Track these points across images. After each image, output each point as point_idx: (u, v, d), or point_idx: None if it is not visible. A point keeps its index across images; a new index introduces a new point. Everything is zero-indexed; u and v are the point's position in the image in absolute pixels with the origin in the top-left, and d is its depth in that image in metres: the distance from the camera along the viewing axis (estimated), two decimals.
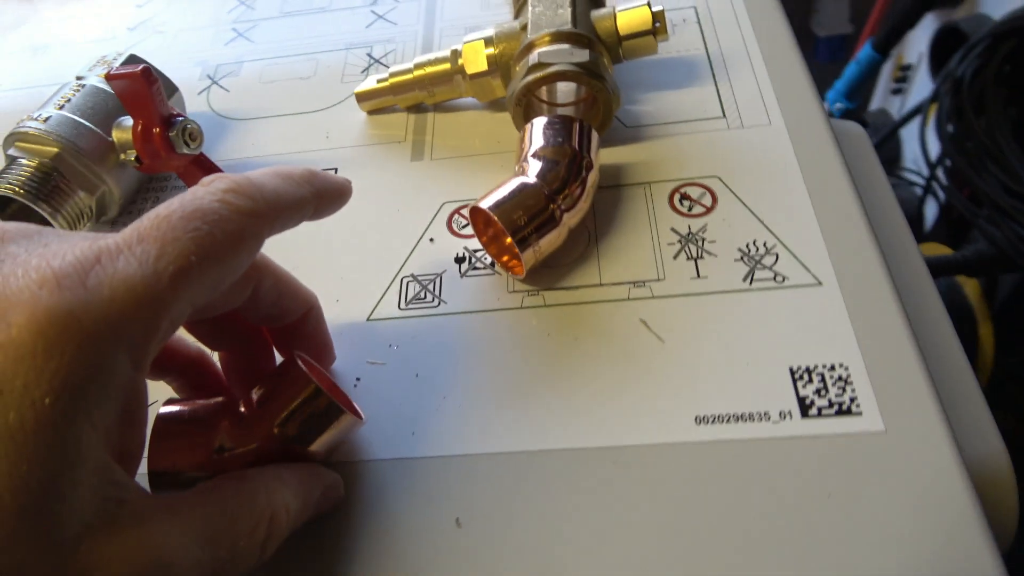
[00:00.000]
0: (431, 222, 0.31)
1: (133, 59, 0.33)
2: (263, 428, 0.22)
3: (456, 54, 0.34)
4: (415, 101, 0.35)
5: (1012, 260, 0.78)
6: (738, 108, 0.33)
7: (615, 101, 0.31)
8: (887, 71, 1.23)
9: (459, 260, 0.30)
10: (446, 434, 0.25)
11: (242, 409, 0.23)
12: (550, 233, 0.27)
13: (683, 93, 0.34)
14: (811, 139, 0.31)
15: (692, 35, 0.37)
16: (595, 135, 0.29)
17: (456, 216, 0.31)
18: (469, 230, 0.31)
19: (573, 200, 0.27)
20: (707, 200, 0.30)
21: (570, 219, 0.27)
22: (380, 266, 0.30)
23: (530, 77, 0.30)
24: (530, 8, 0.32)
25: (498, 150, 0.34)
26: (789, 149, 0.31)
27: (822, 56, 1.47)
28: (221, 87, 0.40)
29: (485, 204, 0.27)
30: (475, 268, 0.30)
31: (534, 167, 0.28)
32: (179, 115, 0.31)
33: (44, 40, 0.46)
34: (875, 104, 1.35)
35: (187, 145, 0.31)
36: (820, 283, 0.27)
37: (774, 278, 0.28)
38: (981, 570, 0.21)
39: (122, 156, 0.31)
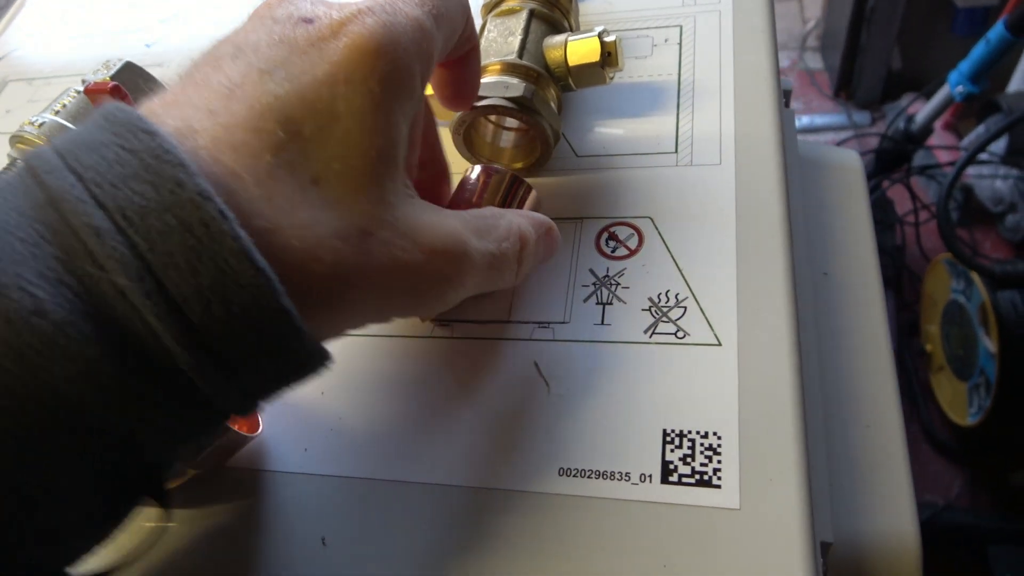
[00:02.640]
0: None
1: (128, 68, 0.36)
2: None
3: None
4: None
5: None
6: (692, 144, 0.32)
7: (552, 136, 0.31)
8: None
9: None
10: (333, 455, 0.27)
11: None
12: None
13: (643, 122, 0.34)
14: (757, 185, 0.30)
15: (669, 59, 0.36)
16: (533, 195, 0.29)
17: None
18: None
19: None
20: (633, 242, 0.30)
21: None
22: None
23: (464, 111, 0.30)
24: (486, 33, 0.32)
25: (458, 171, 0.34)
26: (731, 194, 0.30)
27: (960, 29, 1.34)
28: None
29: None
30: None
31: None
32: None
33: (87, 30, 0.50)
34: (1014, 86, 1.23)
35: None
36: (720, 344, 0.27)
37: (676, 333, 0.27)
38: None
39: None
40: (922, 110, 1.16)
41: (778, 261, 0.28)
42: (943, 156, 1.33)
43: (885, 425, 0.30)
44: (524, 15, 0.32)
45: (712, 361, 0.26)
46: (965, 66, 1.05)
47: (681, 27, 0.37)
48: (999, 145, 1.16)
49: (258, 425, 0.28)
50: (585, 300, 0.29)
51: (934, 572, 0.93)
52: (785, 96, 0.37)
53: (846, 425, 0.29)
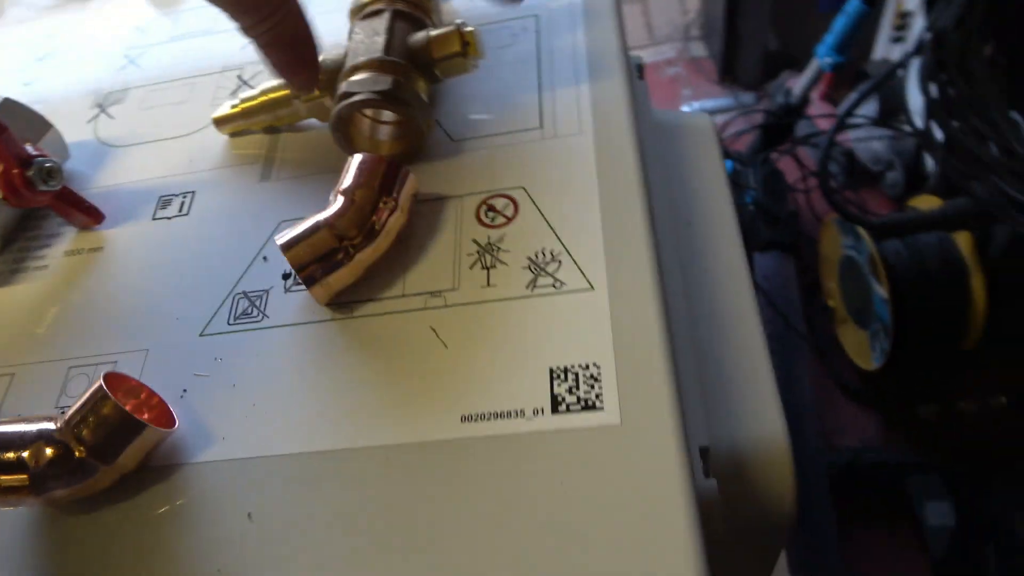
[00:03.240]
0: (267, 241, 0.35)
1: (6, 104, 0.37)
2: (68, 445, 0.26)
3: None
4: (265, 124, 0.38)
5: (993, 216, 0.78)
6: (555, 117, 0.35)
7: (425, 124, 0.33)
8: (888, 19, 1.21)
9: (285, 276, 0.33)
10: (251, 438, 0.29)
11: (53, 428, 0.27)
12: (340, 271, 0.30)
13: (511, 104, 0.37)
14: (614, 147, 0.33)
15: (527, 46, 0.39)
16: (410, 178, 0.31)
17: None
18: None
19: (369, 241, 0.30)
20: (509, 211, 0.33)
21: (364, 257, 0.30)
22: (217, 285, 0.33)
23: (339, 106, 0.33)
24: (352, 36, 0.35)
25: (337, 168, 0.36)
26: (592, 157, 0.33)
27: (824, 7, 1.43)
28: (108, 115, 0.43)
29: (280, 242, 0.30)
30: (298, 283, 0.33)
31: (336, 205, 0.30)
32: (40, 155, 0.34)
33: None
34: (878, 54, 1.32)
35: (46, 183, 0.34)
36: (592, 288, 0.30)
37: (553, 284, 0.30)
38: (675, 555, 0.23)
39: None
40: (796, 83, 1.24)
41: (637, 212, 0.31)
42: (824, 124, 1.42)
43: (749, 344, 0.33)
44: (387, 15, 0.35)
45: (587, 304, 0.29)
46: (829, 38, 1.14)
47: (537, 16, 0.40)
48: (873, 109, 1.26)
49: (174, 420, 0.29)
50: (471, 267, 0.31)
51: (859, 511, 0.99)
52: (638, 70, 0.41)
53: (716, 348, 0.33)
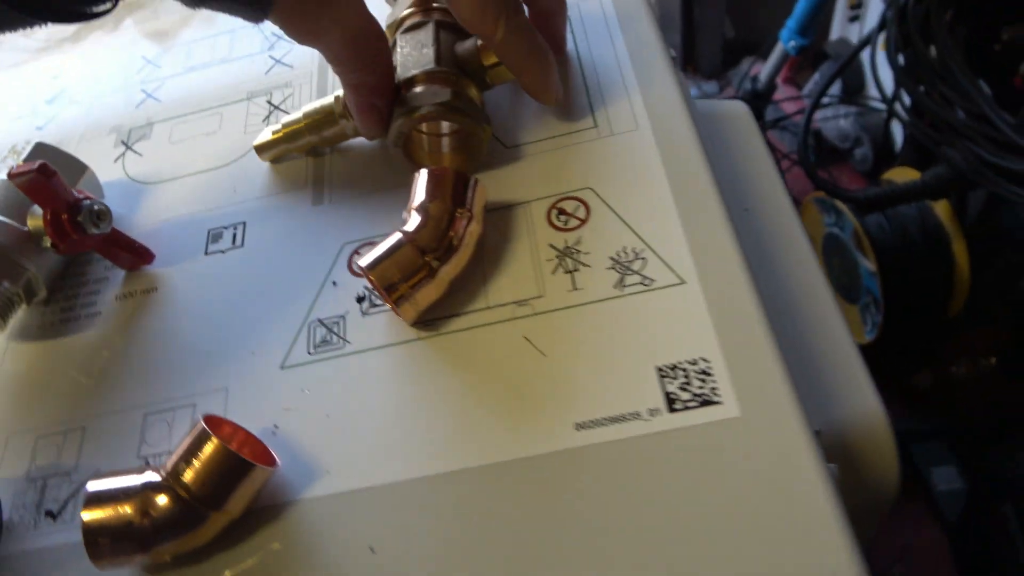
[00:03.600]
0: (333, 265, 0.34)
1: (39, 148, 0.35)
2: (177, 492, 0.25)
3: (339, 100, 0.35)
4: (310, 146, 0.37)
5: (972, 181, 0.80)
6: (608, 116, 0.35)
7: (484, 131, 0.33)
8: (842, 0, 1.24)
9: (360, 299, 0.32)
10: (357, 468, 0.28)
11: (158, 478, 0.26)
12: (426, 287, 0.29)
13: (560, 106, 0.36)
14: (675, 140, 0.33)
15: (568, 45, 0.39)
16: (480, 188, 0.31)
17: (355, 256, 0.34)
18: None
19: (450, 254, 0.29)
20: (581, 212, 0.32)
21: (448, 272, 0.30)
22: (289, 314, 0.33)
23: (399, 121, 0.32)
24: (398, 50, 0.34)
25: (391, 186, 0.36)
26: (655, 152, 0.33)
27: None
28: (135, 152, 0.42)
29: (364, 264, 0.29)
30: (375, 305, 0.32)
31: (414, 221, 0.30)
32: (86, 198, 0.33)
33: None
34: (835, 34, 1.36)
35: (96, 226, 0.33)
36: (684, 282, 0.29)
37: (642, 281, 0.30)
38: (827, 539, 0.23)
39: (41, 243, 0.33)
40: (763, 69, 1.27)
41: (712, 202, 0.31)
42: (789, 107, 1.45)
43: (831, 325, 0.33)
44: (431, 27, 0.34)
45: (680, 298, 0.29)
46: (792, 22, 1.16)
47: (568, 17, 0.40)
48: (835, 88, 1.28)
49: (274, 458, 0.28)
50: (553, 272, 0.31)
51: None
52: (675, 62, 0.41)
53: (800, 331, 0.33)
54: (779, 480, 0.24)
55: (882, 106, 1.17)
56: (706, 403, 0.27)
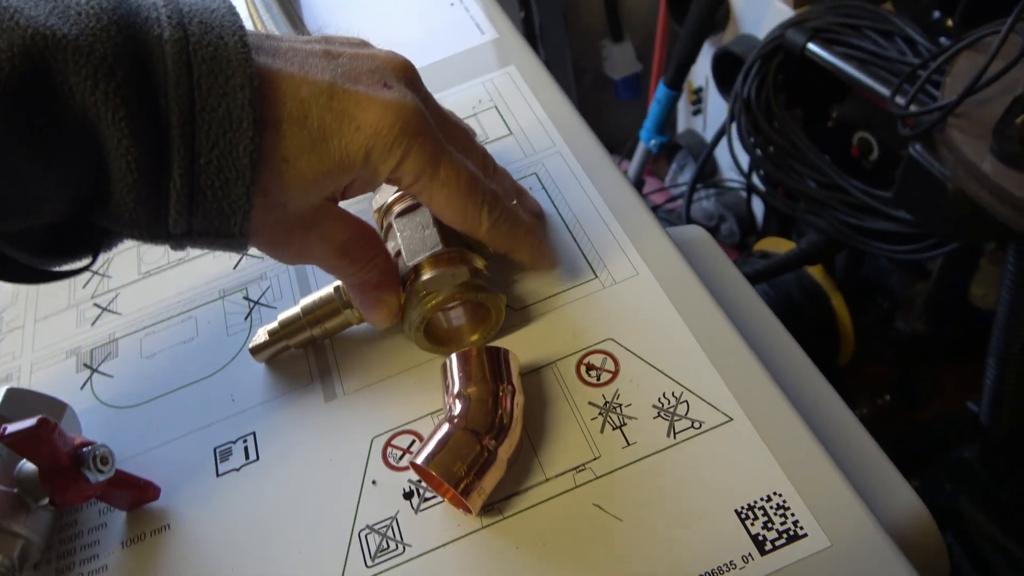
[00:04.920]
0: (367, 463, 0.32)
1: (11, 395, 0.32)
2: None
3: (339, 290, 0.35)
4: (310, 340, 0.36)
5: (841, 243, 0.89)
6: (606, 266, 0.37)
7: (501, 301, 0.33)
8: (684, 96, 1.36)
9: (407, 496, 0.31)
10: None
11: None
12: (490, 472, 0.28)
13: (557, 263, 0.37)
14: (678, 280, 0.35)
15: (542, 203, 0.40)
16: (512, 357, 0.31)
17: (390, 449, 0.32)
18: (406, 460, 0.32)
19: (504, 433, 0.29)
20: (610, 365, 0.33)
21: (505, 452, 0.29)
22: (332, 526, 0.30)
23: (423, 307, 0.32)
24: (398, 234, 0.34)
25: (406, 367, 0.35)
26: (662, 295, 0.35)
27: (623, 96, 1.60)
28: (103, 374, 0.39)
29: (422, 461, 0.28)
30: (426, 500, 0.31)
31: (460, 407, 0.29)
32: (84, 443, 0.30)
33: None
34: (681, 126, 1.49)
35: (100, 472, 0.30)
36: (731, 419, 0.30)
37: (692, 425, 0.31)
38: None
39: (34, 504, 0.30)
40: (630, 167, 1.37)
41: (730, 334, 0.33)
42: (657, 198, 1.56)
43: (852, 431, 0.35)
44: (426, 208, 0.35)
45: (734, 435, 0.30)
46: (649, 123, 1.27)
47: (536, 173, 0.42)
48: (688, 174, 1.40)
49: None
50: (601, 431, 0.31)
51: None
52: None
53: (833, 445, 0.35)
54: None
55: (739, 185, 1.29)
56: (793, 538, 0.27)
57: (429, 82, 0.33)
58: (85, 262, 0.29)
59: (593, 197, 0.40)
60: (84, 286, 0.44)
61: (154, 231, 0.27)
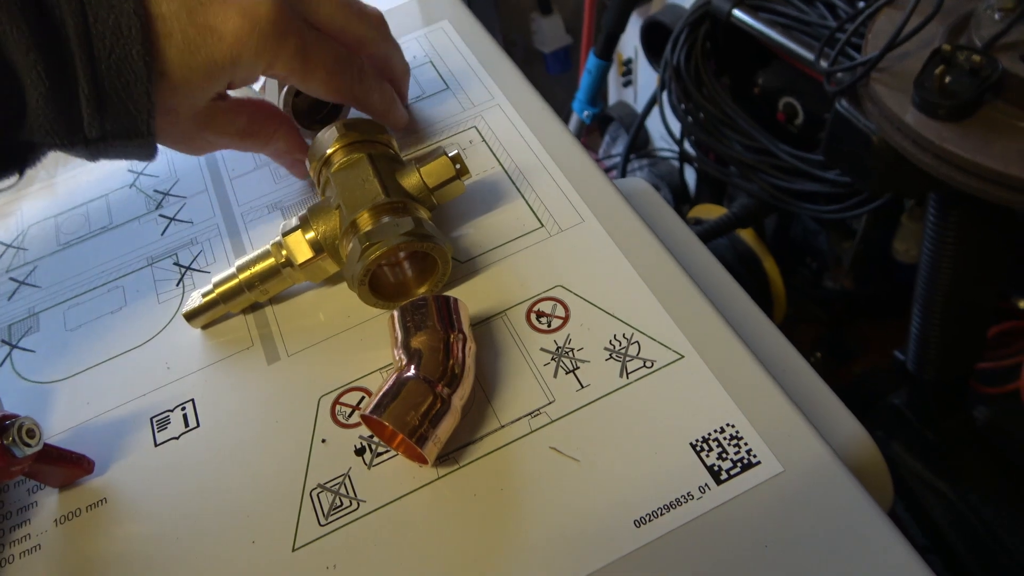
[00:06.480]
0: (316, 422, 0.31)
1: None
2: None
3: (278, 247, 0.34)
4: (248, 303, 0.35)
5: (772, 205, 0.91)
6: (551, 214, 0.36)
7: (448, 251, 0.33)
8: (614, 68, 1.37)
9: (359, 452, 0.30)
10: None
11: None
12: (444, 420, 0.28)
13: (498, 214, 0.37)
14: (623, 226, 0.35)
15: (484, 155, 0.39)
16: (461, 305, 0.30)
17: (338, 407, 0.31)
18: (356, 417, 0.31)
19: (457, 381, 0.28)
20: (560, 311, 0.33)
21: (459, 399, 0.29)
22: (282, 488, 0.29)
23: (367, 259, 0.31)
24: (336, 187, 0.33)
25: (350, 324, 0.34)
26: (608, 240, 0.35)
27: (553, 69, 1.60)
28: (24, 349, 0.36)
29: (373, 411, 0.27)
30: (378, 455, 0.30)
31: (410, 357, 0.29)
32: (7, 418, 0.28)
33: None
34: (612, 99, 1.50)
35: (27, 446, 0.28)
36: (682, 356, 0.31)
37: (644, 364, 0.31)
38: (891, 542, 0.25)
39: None
40: None
41: (678, 275, 0.33)
42: None
43: (796, 367, 0.36)
44: (365, 161, 0.34)
45: (686, 372, 0.30)
46: (581, 94, 1.28)
47: (476, 127, 0.41)
48: (621, 145, 1.42)
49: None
50: (555, 376, 0.31)
51: None
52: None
53: (781, 377, 0.35)
54: (839, 518, 0.26)
55: (671, 155, 1.31)
56: (748, 466, 0.27)
57: None
58: (12, 181, 0.33)
59: (535, 147, 0.39)
60: None
61: (72, 137, 0.30)
